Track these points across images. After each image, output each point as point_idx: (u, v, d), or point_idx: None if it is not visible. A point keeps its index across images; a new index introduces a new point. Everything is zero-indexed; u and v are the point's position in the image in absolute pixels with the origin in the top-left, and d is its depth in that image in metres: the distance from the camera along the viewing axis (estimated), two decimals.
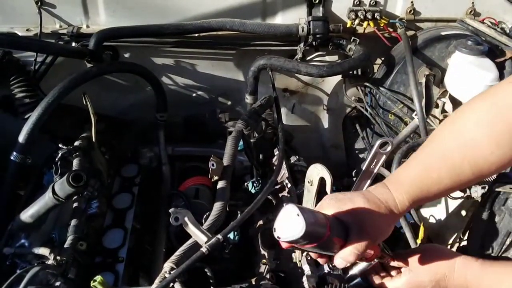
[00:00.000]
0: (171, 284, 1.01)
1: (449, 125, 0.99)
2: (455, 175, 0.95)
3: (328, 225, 0.88)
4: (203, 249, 1.06)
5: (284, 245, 0.90)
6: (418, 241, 1.45)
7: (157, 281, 1.02)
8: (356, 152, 2.12)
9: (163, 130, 1.81)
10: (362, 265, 1.12)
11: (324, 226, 0.88)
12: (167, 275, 1.02)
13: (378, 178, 1.18)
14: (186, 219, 1.11)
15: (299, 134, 1.92)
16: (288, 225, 0.85)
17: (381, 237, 0.94)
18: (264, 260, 1.33)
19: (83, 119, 1.55)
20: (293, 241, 0.87)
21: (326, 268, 1.26)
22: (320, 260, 1.02)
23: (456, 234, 1.58)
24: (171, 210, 1.11)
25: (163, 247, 1.48)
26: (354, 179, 1.55)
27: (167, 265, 1.05)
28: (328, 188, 1.10)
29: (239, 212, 1.37)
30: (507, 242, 1.21)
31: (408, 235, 1.54)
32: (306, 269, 1.25)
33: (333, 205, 0.94)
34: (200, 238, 1.09)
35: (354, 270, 1.14)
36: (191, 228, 1.11)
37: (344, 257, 0.92)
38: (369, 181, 1.22)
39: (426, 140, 1.03)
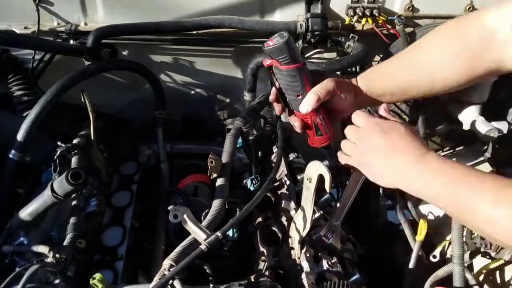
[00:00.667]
0: (170, 281, 1.02)
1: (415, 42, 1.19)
2: (411, 72, 1.12)
3: (304, 60, 1.14)
4: (202, 247, 1.06)
5: (265, 63, 1.14)
6: (418, 238, 1.46)
7: (156, 278, 1.03)
8: None
9: (161, 128, 1.81)
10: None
11: (301, 56, 1.15)
12: (166, 273, 1.03)
13: None
14: (185, 216, 1.11)
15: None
16: (276, 39, 1.11)
17: (339, 90, 1.12)
18: (263, 257, 1.33)
19: (82, 117, 1.55)
20: (274, 50, 1.10)
21: (325, 265, 1.26)
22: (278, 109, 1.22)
23: None
24: (170, 208, 1.11)
25: (162, 244, 1.49)
26: None
27: (167, 263, 1.05)
28: (327, 185, 1.10)
29: (238, 209, 1.37)
30: None
31: (407, 232, 1.56)
32: (305, 266, 1.25)
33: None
34: (199, 236, 1.09)
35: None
36: (190, 226, 1.11)
37: (307, 99, 1.11)
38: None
39: None
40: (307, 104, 1.12)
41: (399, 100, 1.20)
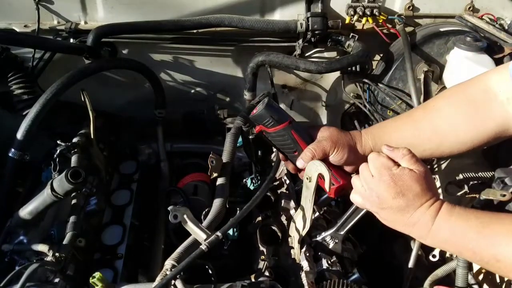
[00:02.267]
0: (173, 281, 1.02)
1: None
2: (416, 128, 1.16)
3: (290, 119, 1.20)
4: (203, 247, 1.06)
5: (256, 130, 1.24)
6: None
7: (158, 278, 1.02)
8: None
9: (161, 127, 1.81)
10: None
11: (287, 116, 1.21)
12: (168, 273, 1.02)
13: None
14: (185, 216, 1.11)
15: None
16: (258, 106, 1.20)
17: (335, 148, 1.16)
18: (263, 257, 1.33)
19: (82, 115, 1.54)
20: (258, 117, 1.19)
21: (325, 264, 1.26)
22: (289, 166, 1.29)
23: None
24: (169, 208, 1.10)
25: (162, 243, 1.48)
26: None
27: (168, 263, 1.05)
28: (326, 184, 1.10)
29: (238, 208, 1.37)
30: None
31: None
32: (305, 265, 1.25)
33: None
34: (199, 236, 1.09)
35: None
36: (190, 226, 1.11)
37: (302, 156, 1.18)
38: None
39: None
40: (302, 160, 1.18)
41: None
